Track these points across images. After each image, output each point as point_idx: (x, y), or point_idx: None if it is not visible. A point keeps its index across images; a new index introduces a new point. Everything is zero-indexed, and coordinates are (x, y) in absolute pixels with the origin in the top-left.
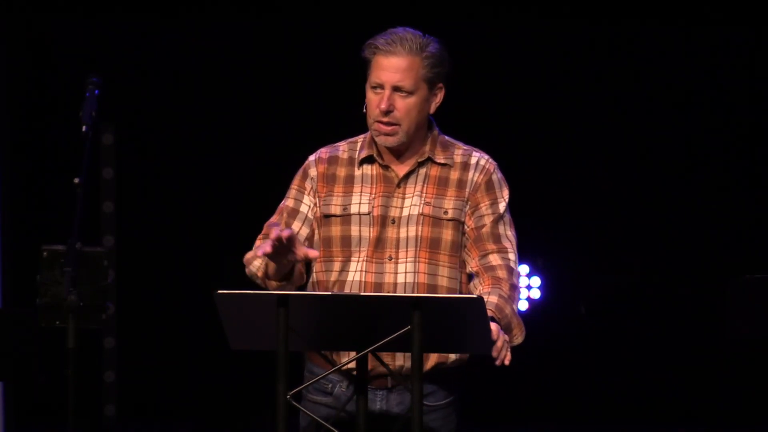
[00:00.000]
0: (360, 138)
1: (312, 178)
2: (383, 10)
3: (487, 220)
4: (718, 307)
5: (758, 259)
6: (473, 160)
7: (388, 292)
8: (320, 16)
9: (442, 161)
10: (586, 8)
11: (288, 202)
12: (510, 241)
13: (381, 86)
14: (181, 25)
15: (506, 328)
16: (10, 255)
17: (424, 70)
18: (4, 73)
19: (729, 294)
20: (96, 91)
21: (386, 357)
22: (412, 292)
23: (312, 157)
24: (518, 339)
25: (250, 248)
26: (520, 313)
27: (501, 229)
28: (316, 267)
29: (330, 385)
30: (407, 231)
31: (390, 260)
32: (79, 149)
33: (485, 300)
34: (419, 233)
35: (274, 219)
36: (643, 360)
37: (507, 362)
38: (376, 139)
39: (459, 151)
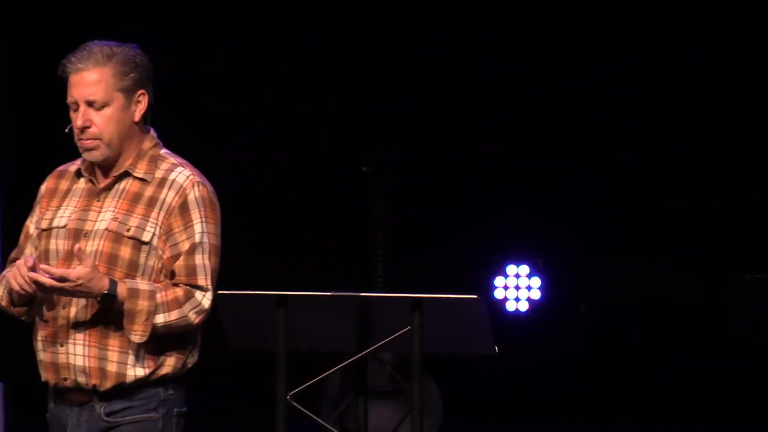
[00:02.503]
0: None
1: (41, 194)
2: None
3: (182, 248)
4: (719, 306)
5: (759, 259)
6: (172, 177)
7: (64, 305)
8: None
9: (141, 176)
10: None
11: (27, 220)
12: (206, 274)
13: (76, 103)
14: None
15: (129, 315)
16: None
17: (114, 79)
18: (4, 71)
19: (729, 294)
20: None
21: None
22: (87, 306)
23: (50, 173)
24: (134, 336)
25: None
26: (517, 313)
27: (198, 258)
28: None
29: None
30: (93, 245)
31: None
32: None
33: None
34: (100, 247)
35: (21, 239)
36: (643, 360)
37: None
38: (83, 155)
39: (165, 165)
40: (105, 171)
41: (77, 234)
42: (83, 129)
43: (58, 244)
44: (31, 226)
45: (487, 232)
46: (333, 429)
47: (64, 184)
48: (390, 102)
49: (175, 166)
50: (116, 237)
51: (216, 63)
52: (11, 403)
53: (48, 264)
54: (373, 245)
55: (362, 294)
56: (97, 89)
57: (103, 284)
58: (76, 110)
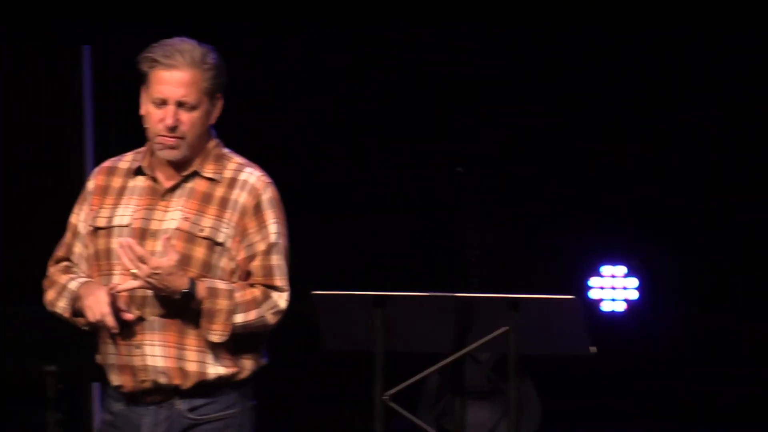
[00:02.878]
0: (143, 148)
1: (89, 192)
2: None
3: (258, 249)
4: None
5: None
6: (242, 177)
7: (138, 305)
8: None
9: (210, 176)
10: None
11: (72, 218)
12: (281, 275)
13: (164, 102)
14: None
15: (208, 314)
16: None
17: (206, 83)
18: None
19: None
20: None
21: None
22: (164, 307)
23: (97, 168)
24: (213, 336)
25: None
26: (613, 313)
27: (274, 259)
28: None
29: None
30: (162, 245)
31: None
32: None
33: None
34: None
35: (64, 239)
36: (746, 360)
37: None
38: (159, 152)
39: (233, 166)
40: (170, 170)
41: (143, 233)
42: (172, 128)
43: (121, 243)
44: (79, 223)
45: (583, 233)
46: (430, 429)
47: (116, 181)
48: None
49: (242, 165)
50: (189, 237)
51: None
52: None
53: (110, 263)
54: (468, 246)
55: (459, 294)
56: (190, 91)
57: (183, 282)
58: (160, 106)
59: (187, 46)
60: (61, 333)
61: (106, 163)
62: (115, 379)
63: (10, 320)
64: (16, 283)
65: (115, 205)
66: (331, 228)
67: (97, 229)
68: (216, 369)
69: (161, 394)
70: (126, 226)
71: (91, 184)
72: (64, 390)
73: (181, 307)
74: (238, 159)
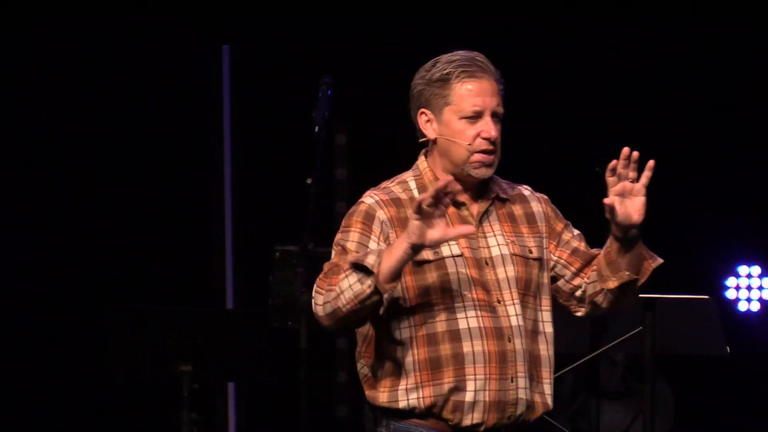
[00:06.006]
0: (407, 176)
1: (383, 222)
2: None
3: (576, 242)
4: None
5: None
6: (526, 192)
7: (508, 337)
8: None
9: (503, 196)
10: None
11: (349, 244)
12: None
13: (479, 114)
14: (406, 22)
15: (646, 254)
16: (242, 255)
17: (501, 94)
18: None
19: None
20: (329, 92)
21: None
22: (526, 337)
23: (370, 200)
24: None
25: None
26: (749, 313)
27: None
28: (414, 320)
29: None
30: (505, 272)
31: (499, 303)
32: (311, 150)
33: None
34: (516, 273)
35: (335, 259)
36: None
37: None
38: (475, 172)
39: (503, 183)
40: (470, 195)
41: (478, 263)
42: (493, 140)
43: (459, 273)
44: (358, 252)
45: (719, 232)
46: (565, 429)
47: (410, 213)
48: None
49: (508, 182)
50: (525, 261)
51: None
52: (243, 403)
53: (450, 294)
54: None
55: None
56: (500, 101)
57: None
58: (473, 120)
59: (480, 57)
60: (197, 333)
61: (381, 196)
62: (476, 416)
63: (146, 320)
64: (152, 283)
65: None
66: None
67: (422, 263)
68: (551, 399)
69: (508, 429)
70: (459, 255)
71: (382, 215)
72: (199, 390)
73: (535, 337)
74: (497, 177)
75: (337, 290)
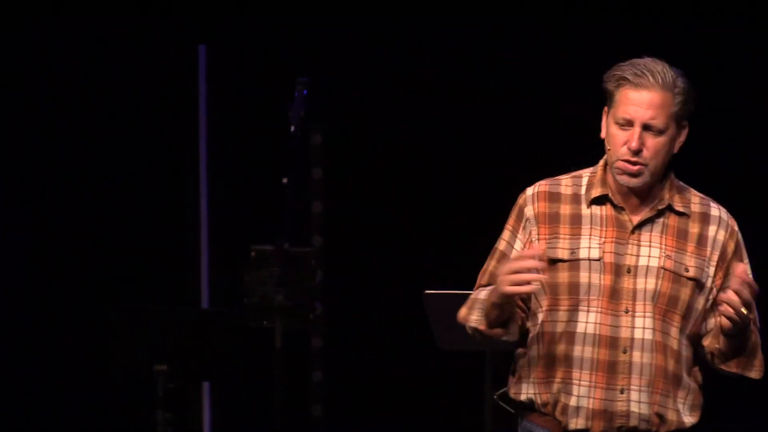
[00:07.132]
0: (585, 172)
1: (528, 219)
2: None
3: None
4: None
5: None
6: (714, 212)
7: (624, 348)
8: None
9: (681, 210)
10: None
11: (500, 244)
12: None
13: (630, 123)
14: (383, 23)
15: (752, 348)
16: (217, 255)
17: (676, 107)
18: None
19: None
20: (305, 92)
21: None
22: (651, 351)
23: (530, 191)
24: (754, 372)
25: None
26: None
27: None
28: (542, 316)
29: None
30: (645, 283)
31: (626, 313)
32: (287, 149)
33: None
34: (658, 287)
35: (487, 266)
36: None
37: (727, 310)
38: (618, 178)
39: (696, 199)
40: (635, 199)
41: (617, 269)
42: (636, 152)
43: (592, 277)
44: (512, 250)
45: None
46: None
47: (564, 209)
48: None
49: (704, 199)
50: (675, 277)
51: (425, 61)
52: (218, 403)
53: (577, 298)
54: None
55: None
56: (659, 114)
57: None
58: (624, 127)
59: (659, 67)
60: (173, 332)
61: (542, 188)
62: (581, 422)
63: (121, 319)
64: (127, 281)
65: (575, 235)
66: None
67: (555, 261)
68: (690, 419)
69: None
70: (597, 259)
71: (529, 211)
72: (174, 389)
73: (665, 352)
74: (694, 191)
75: (464, 319)
